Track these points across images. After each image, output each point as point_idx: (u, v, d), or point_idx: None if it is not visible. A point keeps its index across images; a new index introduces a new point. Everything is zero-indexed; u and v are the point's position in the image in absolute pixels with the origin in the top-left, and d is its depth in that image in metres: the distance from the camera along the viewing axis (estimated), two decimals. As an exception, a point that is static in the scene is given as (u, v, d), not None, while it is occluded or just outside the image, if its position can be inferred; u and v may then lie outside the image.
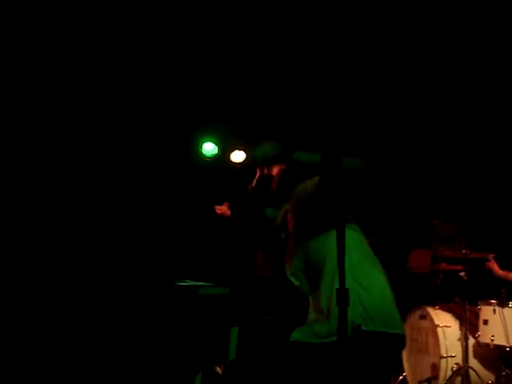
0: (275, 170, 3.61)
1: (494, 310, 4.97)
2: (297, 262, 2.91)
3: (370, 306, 2.70)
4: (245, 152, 5.96)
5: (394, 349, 2.86)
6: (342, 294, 2.23)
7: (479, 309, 5.15)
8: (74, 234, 5.38)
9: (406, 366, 5.46)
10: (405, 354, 5.43)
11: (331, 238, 2.66)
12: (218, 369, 3.51)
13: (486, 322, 5.02)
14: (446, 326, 5.22)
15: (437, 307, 5.44)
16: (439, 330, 5.19)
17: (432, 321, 5.29)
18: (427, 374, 5.22)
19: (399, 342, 2.84)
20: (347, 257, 2.60)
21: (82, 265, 5.11)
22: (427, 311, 5.39)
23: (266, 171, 3.59)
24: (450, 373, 5.04)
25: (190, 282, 3.17)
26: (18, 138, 5.43)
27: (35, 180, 5.49)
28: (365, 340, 2.67)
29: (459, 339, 5.12)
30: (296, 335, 2.77)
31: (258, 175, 3.34)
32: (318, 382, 2.66)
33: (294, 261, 2.93)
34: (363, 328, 2.65)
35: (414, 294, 5.78)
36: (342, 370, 2.28)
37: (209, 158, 6.07)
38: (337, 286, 2.36)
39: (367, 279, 2.77)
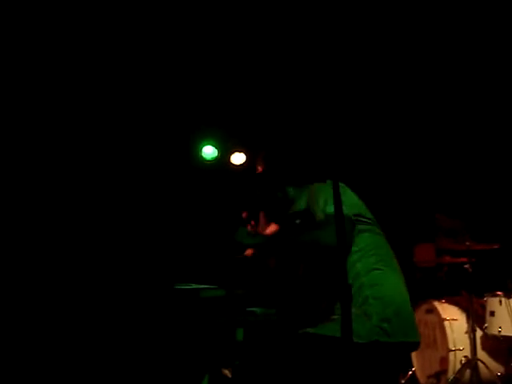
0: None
1: (501, 301, 4.95)
2: None
3: (387, 318, 2.70)
4: (245, 154, 5.97)
5: (407, 354, 2.87)
6: (345, 291, 2.17)
7: (485, 300, 5.12)
8: (74, 236, 5.39)
9: (414, 360, 5.44)
10: (413, 349, 5.42)
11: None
12: (227, 371, 3.50)
13: (492, 314, 5.00)
14: (453, 320, 5.20)
15: (443, 301, 5.43)
16: (446, 323, 5.18)
17: (439, 315, 5.27)
18: (436, 367, 5.21)
19: (414, 347, 2.84)
20: (363, 261, 2.65)
21: (84, 268, 5.12)
22: (434, 305, 5.38)
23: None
24: (458, 366, 5.02)
25: (192, 286, 3.17)
26: (19, 138, 5.44)
27: (36, 182, 5.49)
28: (382, 351, 2.68)
29: (467, 332, 5.10)
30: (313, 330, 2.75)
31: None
32: (326, 379, 2.65)
33: None
34: (380, 340, 2.66)
35: (420, 289, 5.77)
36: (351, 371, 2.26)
37: (209, 160, 6.08)
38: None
39: (383, 285, 2.76)
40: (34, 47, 5.16)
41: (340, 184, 2.90)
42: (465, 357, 5.03)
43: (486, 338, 5.07)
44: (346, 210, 2.44)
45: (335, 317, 2.74)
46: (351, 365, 2.13)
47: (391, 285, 2.80)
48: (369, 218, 2.94)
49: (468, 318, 5.13)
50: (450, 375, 5.01)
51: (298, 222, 3.04)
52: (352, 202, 2.93)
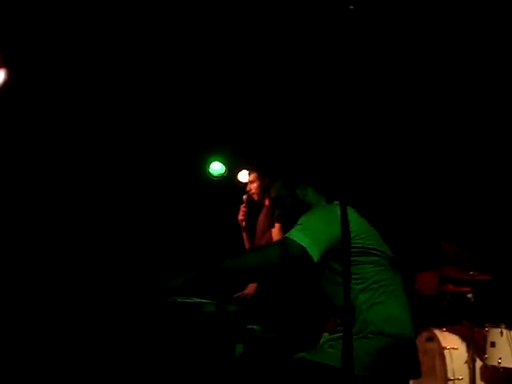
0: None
1: (502, 333, 4.92)
2: None
3: (385, 353, 2.63)
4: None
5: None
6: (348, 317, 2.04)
7: (487, 331, 5.10)
8: (80, 250, 5.41)
9: (412, 388, 5.40)
10: (411, 377, 5.38)
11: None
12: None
13: (493, 345, 4.96)
14: (453, 348, 5.17)
15: (444, 329, 5.40)
16: (446, 352, 5.14)
17: (439, 343, 5.24)
18: (434, 396, 5.17)
19: (411, 377, 2.79)
20: (366, 293, 2.63)
21: (87, 281, 5.12)
22: (434, 333, 5.34)
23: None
24: (457, 396, 4.99)
25: (194, 300, 3.16)
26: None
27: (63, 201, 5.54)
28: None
29: (466, 362, 5.07)
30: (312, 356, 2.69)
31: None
32: None
33: None
34: (374, 374, 2.59)
35: (421, 316, 5.73)
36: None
37: (216, 177, 6.12)
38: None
39: (383, 320, 2.68)
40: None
41: (350, 209, 2.87)
42: (464, 387, 5.01)
43: (486, 368, 5.04)
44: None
45: (333, 343, 2.71)
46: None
47: (392, 320, 2.70)
48: (376, 249, 2.82)
49: (468, 347, 5.10)
50: (448, 404, 4.98)
51: None
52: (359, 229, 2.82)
